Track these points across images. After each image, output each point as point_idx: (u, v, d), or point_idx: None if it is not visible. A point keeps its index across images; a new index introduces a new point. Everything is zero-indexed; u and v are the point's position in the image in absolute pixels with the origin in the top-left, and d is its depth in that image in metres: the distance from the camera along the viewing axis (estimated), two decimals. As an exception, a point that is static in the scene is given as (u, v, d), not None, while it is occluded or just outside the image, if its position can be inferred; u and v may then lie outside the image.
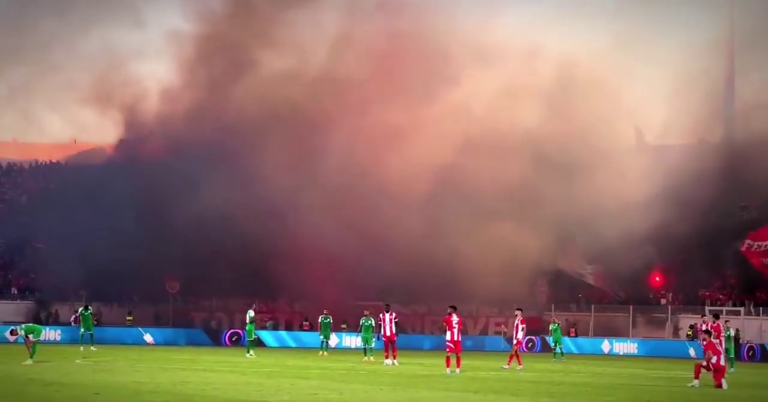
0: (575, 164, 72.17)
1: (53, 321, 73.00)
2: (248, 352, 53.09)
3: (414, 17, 78.06)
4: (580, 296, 78.04)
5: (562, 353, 58.15)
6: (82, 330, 57.69)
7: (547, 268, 74.99)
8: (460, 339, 40.43)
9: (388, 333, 47.51)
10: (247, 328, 55.33)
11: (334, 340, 66.10)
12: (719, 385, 34.50)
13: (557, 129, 73.65)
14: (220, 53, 78.72)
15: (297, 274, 69.85)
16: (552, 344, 59.54)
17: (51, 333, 67.45)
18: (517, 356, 46.27)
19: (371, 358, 50.41)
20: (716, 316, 45.48)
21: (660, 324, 74.70)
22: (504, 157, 71.25)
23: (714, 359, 34.84)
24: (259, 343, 70.99)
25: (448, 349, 40.34)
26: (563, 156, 72.10)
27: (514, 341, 47.43)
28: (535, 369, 47.28)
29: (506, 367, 45.69)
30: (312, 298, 74.90)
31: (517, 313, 47.46)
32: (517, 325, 47.12)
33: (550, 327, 59.33)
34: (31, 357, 41.49)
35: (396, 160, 71.97)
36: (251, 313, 54.72)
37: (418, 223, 70.59)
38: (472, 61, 75.80)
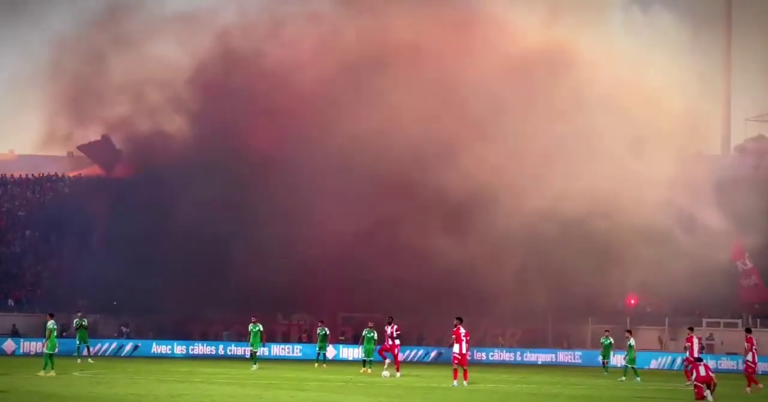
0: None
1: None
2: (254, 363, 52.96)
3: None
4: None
5: (606, 368, 56.02)
6: (78, 342, 57.51)
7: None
8: (467, 351, 40.17)
9: (389, 343, 47.24)
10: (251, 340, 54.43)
11: (331, 351, 65.96)
12: (701, 397, 34.40)
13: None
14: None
15: (295, 286, 69.79)
16: (602, 358, 57.20)
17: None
18: (749, 377, 43.17)
19: (369, 370, 50.34)
20: (748, 330, 45.13)
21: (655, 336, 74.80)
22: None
23: (694, 374, 34.88)
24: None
25: (454, 361, 39.93)
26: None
27: (690, 358, 43.25)
28: (532, 381, 47.30)
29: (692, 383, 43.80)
30: (310, 310, 74.92)
31: (690, 332, 44.62)
32: (694, 343, 44.05)
33: (602, 341, 57.42)
34: (49, 368, 41.60)
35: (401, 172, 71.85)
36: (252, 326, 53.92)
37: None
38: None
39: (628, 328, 57.89)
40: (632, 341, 51.30)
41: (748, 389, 41.12)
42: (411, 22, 76.01)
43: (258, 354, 54.29)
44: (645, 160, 72.61)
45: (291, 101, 74.97)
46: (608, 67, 73.66)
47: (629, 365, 50.99)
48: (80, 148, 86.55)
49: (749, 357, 42.44)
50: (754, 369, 42.45)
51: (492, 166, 70.79)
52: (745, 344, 42.85)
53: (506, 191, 69.94)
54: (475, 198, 70.34)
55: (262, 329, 54.04)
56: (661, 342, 74.33)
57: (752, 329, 46.67)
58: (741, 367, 63.88)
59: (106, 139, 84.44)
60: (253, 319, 54.11)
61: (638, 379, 49.74)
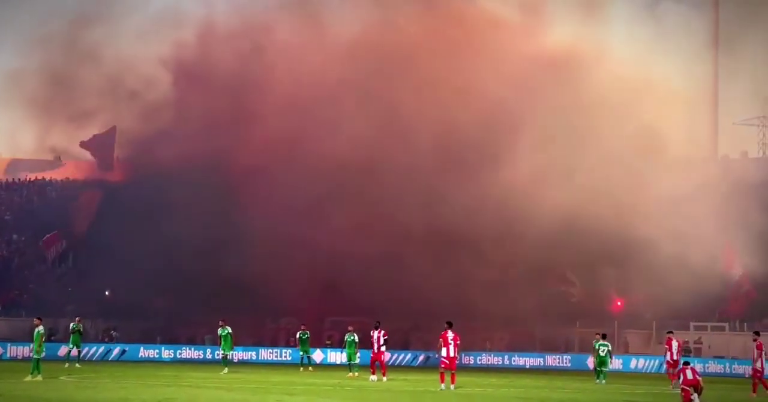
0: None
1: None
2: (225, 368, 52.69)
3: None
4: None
5: (599, 373, 52.69)
6: (71, 346, 57.29)
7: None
8: (456, 355, 40.13)
9: (376, 350, 47.03)
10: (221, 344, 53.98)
11: (318, 355, 65.85)
12: (689, 400, 34.41)
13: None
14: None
15: (281, 290, 69.78)
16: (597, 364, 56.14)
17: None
18: (762, 383, 41.49)
19: (355, 373, 50.32)
20: (757, 333, 44.70)
21: (644, 340, 74.81)
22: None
23: (681, 378, 34.90)
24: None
25: (442, 365, 40.04)
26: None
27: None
28: (520, 385, 47.33)
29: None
30: (295, 314, 74.90)
31: (669, 335, 44.66)
32: (672, 346, 44.79)
33: (594, 345, 56.45)
34: (36, 373, 41.43)
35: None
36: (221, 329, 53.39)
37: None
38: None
39: (603, 332, 57.42)
40: (599, 344, 51.24)
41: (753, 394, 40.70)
42: (418, 20, 75.98)
43: (241, 358, 53.94)
44: (640, 164, 72.75)
45: (288, 102, 74.92)
46: (610, 71, 73.77)
47: (599, 367, 51.07)
48: (82, 144, 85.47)
49: (758, 364, 41.24)
50: (759, 376, 41.73)
51: (487, 170, 70.87)
52: (755, 350, 41.64)
53: (501, 196, 70.00)
54: (471, 204, 70.44)
55: (231, 332, 53.38)
56: (626, 345, 74.45)
57: (742, 333, 46.52)
58: (728, 370, 64.81)
59: (110, 132, 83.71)
60: (221, 323, 53.07)
61: (601, 381, 49.89)
